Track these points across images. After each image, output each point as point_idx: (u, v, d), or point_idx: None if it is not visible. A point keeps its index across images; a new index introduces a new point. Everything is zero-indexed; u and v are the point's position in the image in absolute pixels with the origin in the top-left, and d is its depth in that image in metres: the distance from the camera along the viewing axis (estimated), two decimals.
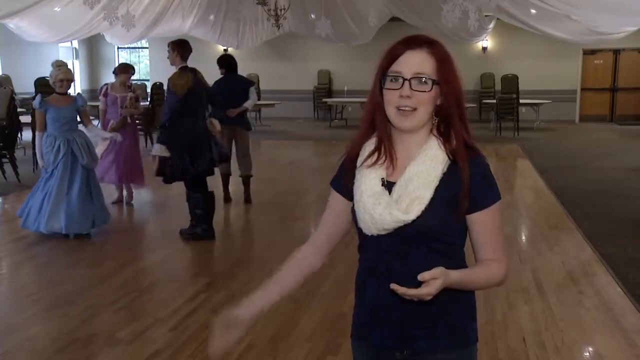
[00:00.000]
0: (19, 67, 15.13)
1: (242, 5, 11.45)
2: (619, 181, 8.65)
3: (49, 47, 15.32)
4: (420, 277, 1.42)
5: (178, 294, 4.44)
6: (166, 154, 5.36)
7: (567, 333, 3.76)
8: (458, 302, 1.60)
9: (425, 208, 1.51)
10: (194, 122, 5.48)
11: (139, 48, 19.32)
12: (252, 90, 7.22)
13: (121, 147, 6.82)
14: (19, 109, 9.79)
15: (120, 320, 3.96)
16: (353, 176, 1.62)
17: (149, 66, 19.06)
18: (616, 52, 16.69)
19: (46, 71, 5.77)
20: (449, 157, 1.55)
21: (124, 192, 7.28)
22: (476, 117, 16.52)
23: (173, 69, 5.59)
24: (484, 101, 16.16)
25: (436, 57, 1.53)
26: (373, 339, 1.63)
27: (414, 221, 1.51)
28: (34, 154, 6.29)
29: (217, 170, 6.07)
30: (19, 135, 10.16)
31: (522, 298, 4.31)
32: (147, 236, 6.42)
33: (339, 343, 3.52)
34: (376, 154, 1.60)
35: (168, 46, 5.61)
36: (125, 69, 7.22)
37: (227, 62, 7.15)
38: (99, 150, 6.86)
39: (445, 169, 1.54)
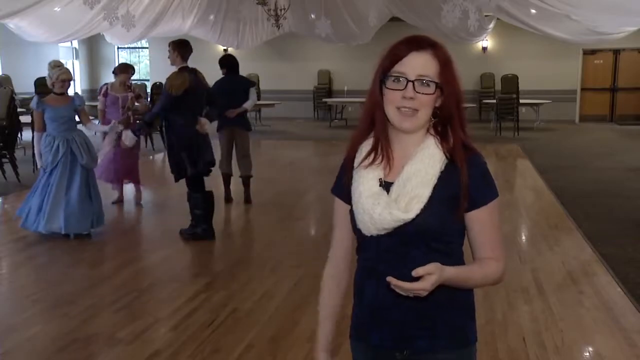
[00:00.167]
0: (19, 67, 15.12)
1: (242, 5, 11.45)
2: (619, 181, 8.65)
3: (49, 47, 15.32)
4: (414, 272, 1.42)
5: (178, 294, 4.44)
6: (130, 144, 5.78)
7: (567, 333, 3.76)
8: (457, 302, 1.60)
9: (424, 206, 1.51)
10: (192, 123, 5.48)
11: (139, 48, 19.32)
12: (252, 90, 7.22)
13: (121, 147, 6.82)
14: (19, 109, 9.78)
15: (120, 320, 3.96)
16: (352, 177, 1.62)
17: (149, 66, 19.06)
18: (616, 52, 16.69)
19: (46, 71, 5.75)
20: (446, 155, 1.55)
21: (134, 194, 7.33)
22: (476, 117, 16.53)
23: (173, 69, 5.59)
24: (484, 101, 16.17)
25: (439, 60, 1.53)
26: (372, 339, 1.63)
27: (413, 220, 1.51)
28: (34, 154, 6.28)
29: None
30: (19, 135, 10.16)
31: (522, 298, 4.31)
32: (147, 236, 6.41)
33: (338, 343, 3.48)
34: (373, 154, 1.60)
35: (169, 46, 5.61)
36: (125, 69, 7.22)
37: (228, 62, 7.15)
38: (104, 151, 6.88)
39: (442, 168, 1.55)
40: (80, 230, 5.72)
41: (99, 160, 6.33)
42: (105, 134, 7.08)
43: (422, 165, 1.53)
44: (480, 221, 1.57)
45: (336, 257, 1.74)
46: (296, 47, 17.25)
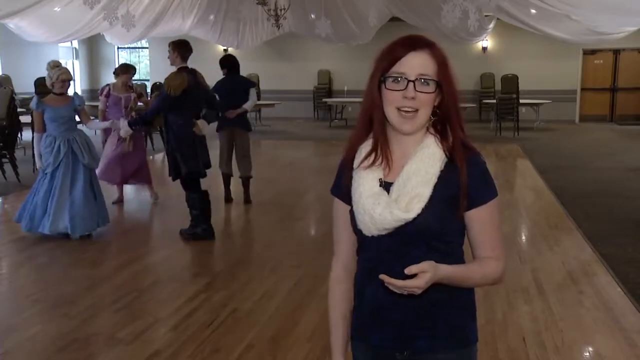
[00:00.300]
0: (19, 67, 15.13)
1: (242, 5, 11.45)
2: (619, 181, 8.65)
3: (49, 47, 15.33)
4: (407, 270, 1.42)
5: (178, 294, 4.44)
6: (124, 135, 6.01)
7: (567, 333, 3.76)
8: (458, 302, 1.60)
9: (425, 206, 1.51)
10: (190, 123, 5.49)
11: (139, 48, 19.33)
12: (253, 91, 7.21)
13: (125, 149, 6.85)
14: (19, 109, 9.79)
15: (120, 320, 3.96)
16: (351, 178, 1.62)
17: (149, 66, 19.06)
18: (616, 52, 16.69)
19: (46, 71, 5.75)
20: (446, 154, 1.56)
21: (149, 194, 7.40)
22: (476, 117, 16.52)
23: (173, 69, 5.59)
24: (484, 101, 16.15)
25: (437, 59, 1.54)
26: (373, 339, 1.63)
27: (414, 219, 1.51)
28: (34, 154, 6.28)
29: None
30: (19, 135, 10.17)
31: (522, 298, 4.31)
32: (147, 236, 6.41)
33: None
34: (373, 155, 1.60)
35: (168, 46, 5.61)
36: (127, 70, 7.23)
37: (229, 63, 7.15)
38: (106, 152, 6.89)
39: (442, 167, 1.55)
40: (86, 231, 5.72)
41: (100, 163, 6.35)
42: (106, 137, 7.10)
43: (422, 165, 1.54)
44: (479, 220, 1.57)
45: (341, 260, 1.73)
46: (296, 47, 17.25)
